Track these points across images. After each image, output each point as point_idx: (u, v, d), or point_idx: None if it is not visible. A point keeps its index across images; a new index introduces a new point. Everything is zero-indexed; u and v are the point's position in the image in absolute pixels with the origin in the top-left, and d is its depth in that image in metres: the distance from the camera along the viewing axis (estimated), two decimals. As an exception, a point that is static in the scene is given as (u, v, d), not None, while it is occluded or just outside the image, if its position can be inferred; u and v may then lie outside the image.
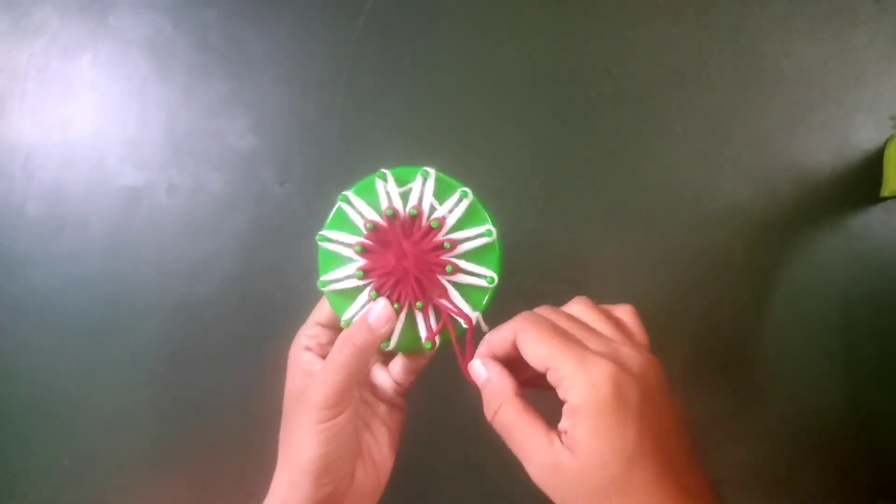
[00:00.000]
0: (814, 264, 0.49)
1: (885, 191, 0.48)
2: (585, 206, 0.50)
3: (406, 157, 0.50)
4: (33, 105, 0.50)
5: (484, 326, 0.35)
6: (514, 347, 0.32)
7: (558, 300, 0.49)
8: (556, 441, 0.29)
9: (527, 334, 0.31)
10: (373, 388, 0.40)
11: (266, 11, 0.51)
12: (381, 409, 0.39)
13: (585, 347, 0.30)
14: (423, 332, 0.36)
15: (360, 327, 0.34)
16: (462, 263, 0.35)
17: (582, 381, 0.28)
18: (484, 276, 0.35)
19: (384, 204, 0.35)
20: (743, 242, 0.49)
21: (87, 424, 0.49)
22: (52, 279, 0.49)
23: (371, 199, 0.36)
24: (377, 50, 0.50)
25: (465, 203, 0.35)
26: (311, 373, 0.37)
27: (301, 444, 0.34)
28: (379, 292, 0.35)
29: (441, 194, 0.36)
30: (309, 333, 0.39)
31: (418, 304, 0.35)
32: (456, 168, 0.50)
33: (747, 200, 0.49)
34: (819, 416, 0.49)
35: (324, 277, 0.36)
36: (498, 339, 0.33)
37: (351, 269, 0.36)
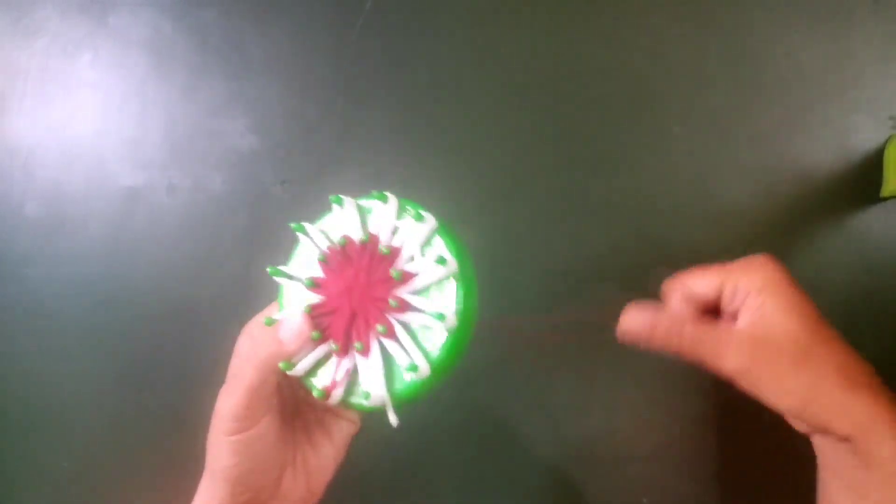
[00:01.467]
0: (813, 264, 0.49)
1: (885, 191, 0.48)
2: (584, 206, 0.50)
3: (406, 158, 0.50)
4: (33, 105, 0.50)
5: (392, 417, 0.30)
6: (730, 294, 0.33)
7: (558, 300, 0.49)
8: (747, 328, 0.31)
9: (688, 276, 0.34)
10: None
11: (266, 12, 0.51)
12: (329, 417, 0.36)
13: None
14: (361, 386, 0.30)
15: (267, 338, 0.32)
16: (412, 298, 0.29)
17: (757, 273, 0.32)
18: (440, 314, 0.28)
19: (338, 234, 0.31)
20: (742, 242, 0.49)
21: (85, 426, 0.49)
22: (52, 279, 0.49)
23: (324, 223, 0.32)
24: (377, 50, 0.51)
25: (423, 228, 0.29)
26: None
27: (214, 452, 0.33)
28: (322, 328, 0.30)
29: (399, 219, 0.31)
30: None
31: (357, 344, 0.29)
32: (456, 167, 0.50)
33: (747, 200, 0.49)
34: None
35: (276, 315, 0.32)
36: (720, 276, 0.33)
37: (299, 303, 0.31)
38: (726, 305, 0.33)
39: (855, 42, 0.50)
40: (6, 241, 0.49)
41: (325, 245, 0.31)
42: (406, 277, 0.29)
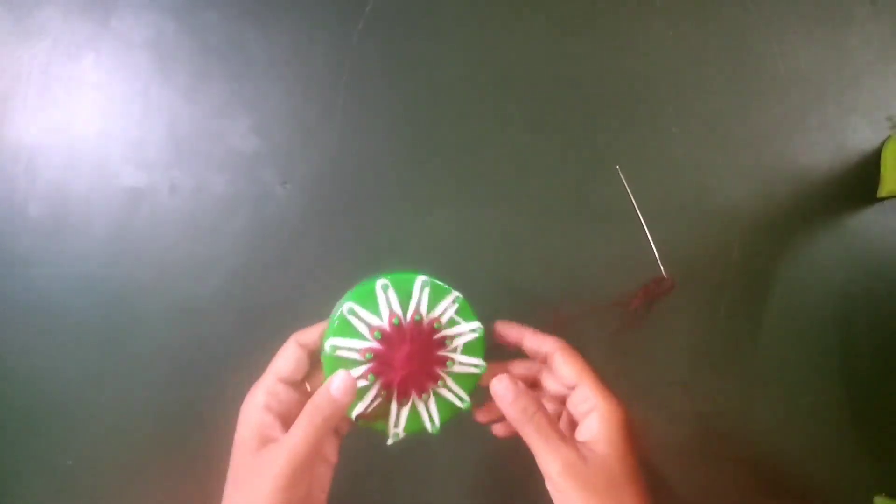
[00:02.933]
0: (811, 264, 0.49)
1: (882, 191, 0.49)
2: (583, 207, 0.50)
3: (406, 159, 0.50)
4: (36, 106, 0.51)
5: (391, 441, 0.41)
6: (529, 350, 0.42)
7: (557, 301, 0.49)
8: (579, 444, 0.37)
9: (572, 354, 0.40)
10: None
11: (267, 13, 0.51)
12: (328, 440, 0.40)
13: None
14: (454, 399, 0.41)
15: (324, 400, 0.37)
16: (450, 330, 0.40)
17: (610, 406, 0.38)
18: (476, 365, 0.40)
19: (386, 313, 0.39)
20: (741, 243, 0.49)
21: (89, 424, 0.49)
22: (55, 280, 0.49)
23: (371, 306, 0.39)
24: (377, 51, 0.51)
25: (455, 306, 0.40)
26: (266, 437, 0.37)
27: (260, 493, 0.35)
28: (389, 390, 0.39)
29: (433, 298, 0.40)
30: (270, 389, 0.39)
31: (423, 395, 0.40)
32: (455, 165, 0.50)
33: (745, 201, 0.50)
34: (816, 413, 0.49)
35: (334, 342, 0.39)
36: (537, 339, 0.41)
37: (359, 371, 0.39)
38: (574, 405, 0.40)
39: (853, 43, 0.50)
40: (10, 241, 0.49)
41: (378, 324, 0.39)
42: (448, 342, 0.40)
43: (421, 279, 0.39)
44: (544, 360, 0.42)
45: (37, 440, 0.49)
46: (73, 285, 0.49)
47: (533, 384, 0.44)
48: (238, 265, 0.50)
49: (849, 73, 0.50)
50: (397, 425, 0.40)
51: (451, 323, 0.40)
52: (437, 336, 0.40)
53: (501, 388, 0.38)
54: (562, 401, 0.42)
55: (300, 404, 0.38)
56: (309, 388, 0.41)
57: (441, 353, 0.40)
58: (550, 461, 0.36)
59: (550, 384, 0.42)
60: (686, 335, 0.49)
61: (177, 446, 0.49)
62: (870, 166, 0.49)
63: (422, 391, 0.40)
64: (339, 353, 0.39)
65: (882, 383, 0.49)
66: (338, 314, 0.39)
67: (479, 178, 0.50)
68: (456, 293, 0.40)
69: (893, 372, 0.49)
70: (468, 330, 0.40)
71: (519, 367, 0.44)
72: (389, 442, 0.40)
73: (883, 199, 0.49)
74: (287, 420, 0.38)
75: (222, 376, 0.49)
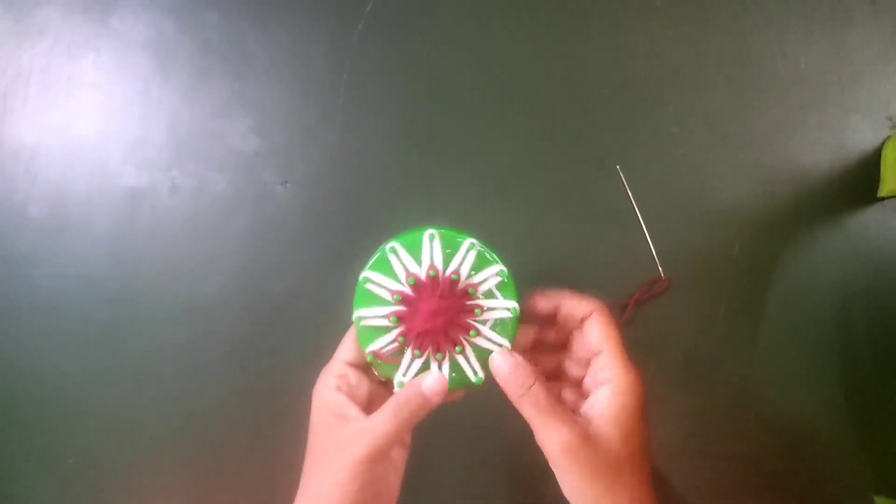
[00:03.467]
0: (811, 264, 0.49)
1: (882, 191, 0.49)
2: (583, 206, 0.50)
3: (406, 158, 0.50)
4: (36, 106, 0.51)
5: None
6: (566, 315, 0.39)
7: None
8: (582, 423, 0.35)
9: (607, 318, 0.38)
10: None
11: (267, 13, 0.51)
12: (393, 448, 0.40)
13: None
14: (468, 371, 0.39)
15: (415, 396, 0.37)
16: (485, 302, 0.38)
17: (626, 380, 0.36)
18: (507, 307, 0.38)
19: (427, 262, 0.38)
20: (741, 242, 0.49)
21: (91, 424, 0.49)
22: (55, 280, 0.50)
23: (413, 251, 0.38)
24: (377, 51, 0.51)
25: (498, 279, 0.38)
26: (342, 415, 0.38)
27: (334, 489, 0.35)
28: (407, 338, 0.38)
29: (478, 264, 0.38)
30: (338, 373, 0.39)
31: (458, 348, 0.38)
32: (455, 165, 0.50)
33: (745, 201, 0.50)
34: (816, 413, 0.49)
35: (358, 313, 0.39)
36: (572, 303, 0.39)
37: (384, 311, 0.38)
38: (594, 372, 0.38)
39: (852, 43, 0.50)
40: (10, 241, 0.50)
41: (416, 270, 0.38)
42: (476, 290, 0.38)
43: (469, 241, 0.38)
44: (579, 323, 0.40)
45: (38, 439, 0.49)
46: (74, 285, 0.49)
47: (563, 346, 0.42)
48: (238, 265, 0.50)
49: (849, 73, 0.50)
50: (405, 375, 0.38)
51: (489, 295, 0.38)
52: (469, 302, 0.38)
53: (499, 359, 0.37)
54: (586, 365, 0.40)
55: (369, 385, 0.39)
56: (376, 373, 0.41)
57: (469, 320, 0.38)
58: (547, 439, 0.34)
59: (578, 347, 0.40)
60: (686, 335, 0.49)
61: (178, 445, 0.49)
62: (870, 166, 0.49)
63: (437, 351, 0.38)
64: (372, 287, 0.38)
65: (882, 383, 0.49)
66: (379, 251, 0.38)
67: (479, 178, 0.50)
68: (500, 266, 0.38)
69: (893, 372, 0.49)
70: (503, 307, 0.38)
71: (549, 333, 0.42)
72: (395, 389, 0.38)
73: (883, 198, 0.49)
74: (358, 400, 0.38)
75: (224, 375, 0.49)
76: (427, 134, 0.51)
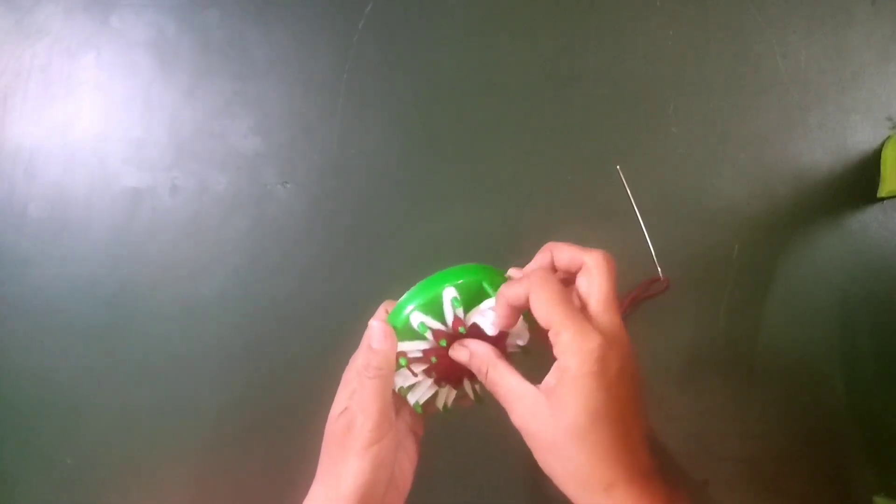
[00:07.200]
0: (811, 264, 0.49)
1: (882, 191, 0.49)
2: (583, 206, 0.50)
3: (406, 158, 0.50)
4: (36, 106, 0.51)
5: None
6: (562, 269, 0.37)
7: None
8: (539, 392, 0.34)
9: (538, 296, 0.35)
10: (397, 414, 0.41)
11: (268, 14, 0.51)
12: (404, 434, 0.40)
13: (584, 319, 0.34)
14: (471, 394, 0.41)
15: (366, 353, 0.37)
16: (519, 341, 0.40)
17: (575, 349, 0.33)
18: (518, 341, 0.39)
19: (450, 318, 0.38)
20: (741, 242, 0.49)
21: (89, 423, 0.49)
22: (55, 280, 0.50)
23: (437, 314, 0.38)
24: (377, 51, 0.51)
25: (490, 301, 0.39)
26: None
27: (348, 469, 0.36)
28: (436, 375, 0.39)
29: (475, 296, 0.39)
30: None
31: (470, 390, 0.40)
32: (455, 165, 0.50)
33: (745, 201, 0.50)
34: (816, 413, 0.49)
35: (401, 348, 0.39)
36: (513, 293, 0.36)
37: (422, 346, 0.39)
38: (551, 341, 0.35)
39: (851, 43, 0.50)
40: (10, 241, 0.50)
41: (439, 327, 0.38)
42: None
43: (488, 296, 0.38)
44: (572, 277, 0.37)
45: (37, 439, 0.49)
46: (74, 285, 0.49)
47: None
48: (239, 265, 0.50)
49: (849, 73, 0.50)
50: (417, 395, 0.40)
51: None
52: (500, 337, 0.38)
53: (456, 353, 0.37)
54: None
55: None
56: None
57: (505, 342, 0.39)
58: (511, 417, 0.34)
59: (574, 297, 0.37)
60: (686, 335, 0.49)
61: (176, 445, 0.49)
62: (870, 166, 0.49)
63: (455, 387, 0.40)
64: (415, 320, 0.38)
65: (882, 383, 0.49)
66: (404, 321, 0.38)
67: (479, 178, 0.50)
68: (492, 296, 0.37)
69: (893, 372, 0.49)
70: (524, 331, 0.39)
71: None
72: (412, 403, 0.39)
73: (883, 199, 0.49)
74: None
75: (222, 375, 0.49)
76: (427, 133, 0.51)
